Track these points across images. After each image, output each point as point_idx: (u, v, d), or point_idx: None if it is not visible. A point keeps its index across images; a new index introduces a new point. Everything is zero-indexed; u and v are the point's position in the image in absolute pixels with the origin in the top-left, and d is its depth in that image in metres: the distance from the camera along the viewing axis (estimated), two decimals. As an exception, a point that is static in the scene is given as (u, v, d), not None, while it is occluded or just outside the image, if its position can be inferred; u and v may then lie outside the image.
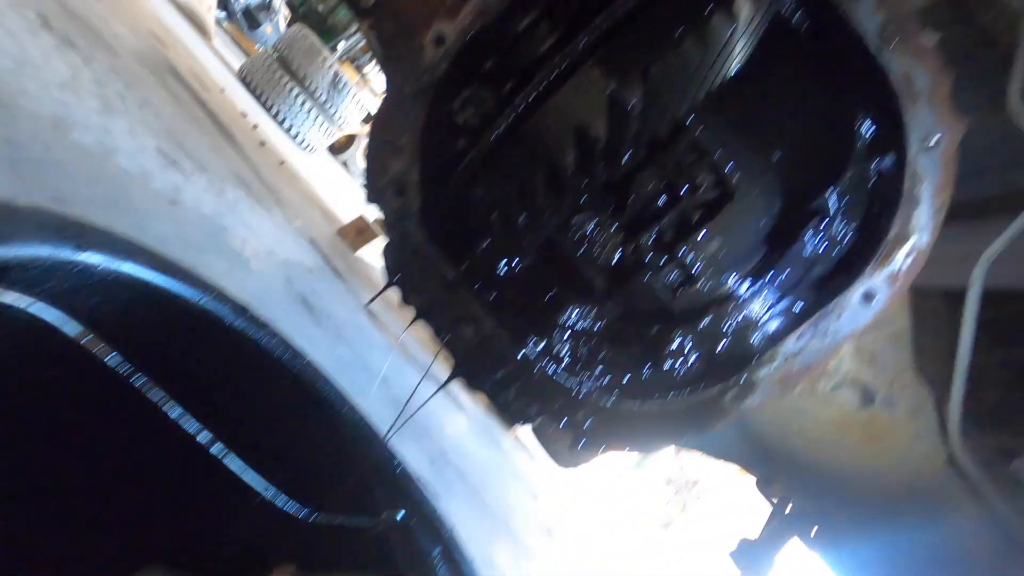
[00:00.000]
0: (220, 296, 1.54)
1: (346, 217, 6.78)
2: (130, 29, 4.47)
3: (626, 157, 1.01)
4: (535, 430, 6.97)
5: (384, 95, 1.00)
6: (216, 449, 1.11)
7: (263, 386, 1.61)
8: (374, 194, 1.01)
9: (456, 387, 5.62)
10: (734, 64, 0.91)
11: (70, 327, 0.83)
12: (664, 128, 0.96)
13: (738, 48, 0.89)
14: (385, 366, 3.94)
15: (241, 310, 1.60)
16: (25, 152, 2.09)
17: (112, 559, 1.19)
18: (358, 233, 6.32)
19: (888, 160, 1.02)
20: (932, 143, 0.94)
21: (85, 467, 1.07)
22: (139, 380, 0.96)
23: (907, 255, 0.94)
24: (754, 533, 1.93)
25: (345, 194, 8.89)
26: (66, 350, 0.85)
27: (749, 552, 1.78)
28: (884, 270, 0.95)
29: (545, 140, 0.91)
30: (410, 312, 1.10)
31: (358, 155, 11.80)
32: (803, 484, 1.17)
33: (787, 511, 1.40)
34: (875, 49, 0.91)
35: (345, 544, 1.56)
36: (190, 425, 1.05)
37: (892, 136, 0.98)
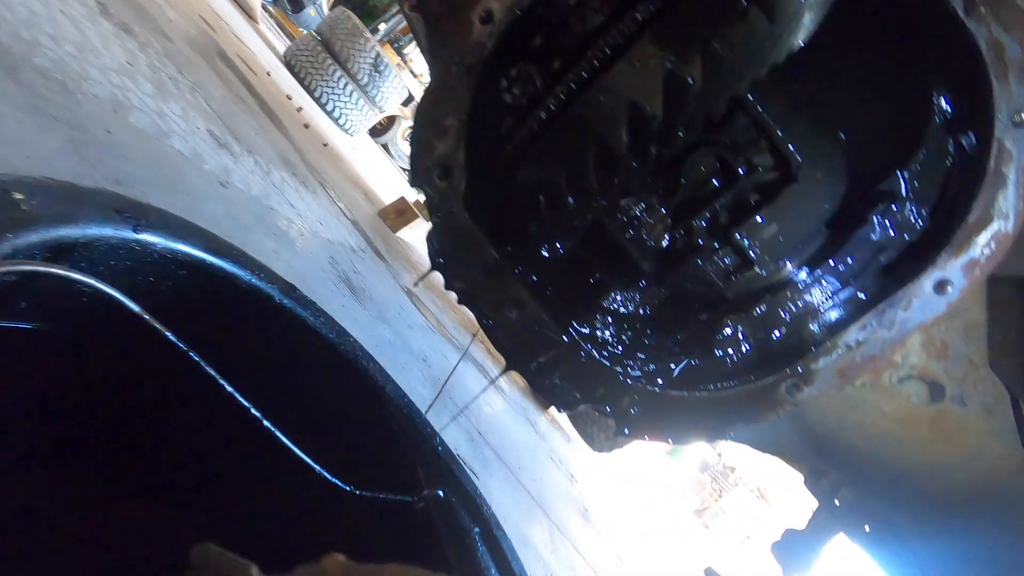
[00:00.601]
0: (270, 275, 1.58)
1: (386, 198, 6.86)
2: (182, 15, 4.59)
3: (680, 135, 0.97)
4: (570, 415, 6.98)
5: (431, 74, 0.98)
6: (269, 423, 1.14)
7: (310, 363, 1.65)
8: (419, 176, 1.00)
9: (493, 368, 5.67)
10: (802, 34, 0.85)
11: (133, 303, 0.87)
12: (722, 105, 0.91)
13: (807, 17, 0.83)
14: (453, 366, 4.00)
15: (290, 289, 1.64)
16: (89, 135, 2.19)
17: (165, 530, 1.25)
18: (398, 214, 6.40)
19: (969, 138, 0.94)
20: (1023, 118, 0.86)
21: (143, 436, 1.13)
22: (196, 354, 1.00)
23: (988, 241, 0.87)
24: (800, 524, 1.87)
25: (385, 176, 8.99)
26: (128, 325, 0.88)
27: (793, 544, 1.73)
28: (961, 257, 0.88)
29: (597, 120, 0.87)
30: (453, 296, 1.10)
31: (398, 137, 11.90)
32: (860, 480, 1.12)
33: (836, 504, 1.34)
34: (963, 15, 0.84)
35: (388, 519, 1.60)
36: (244, 399, 1.09)
37: (975, 111, 0.91)
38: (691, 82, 0.82)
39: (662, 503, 10.33)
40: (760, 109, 0.91)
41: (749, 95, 0.90)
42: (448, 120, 0.98)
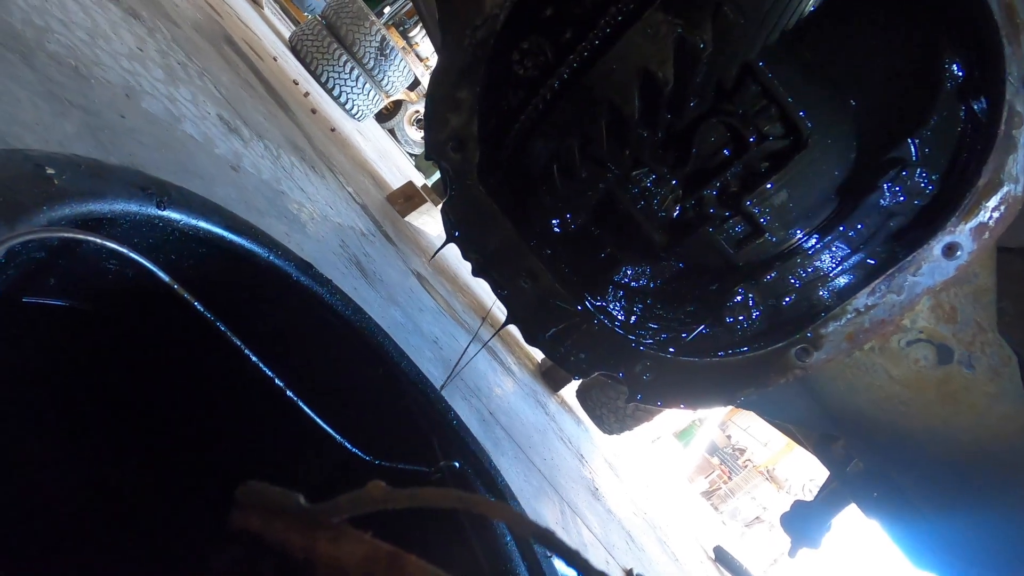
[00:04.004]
0: (287, 253, 1.60)
1: (394, 183, 6.88)
2: (188, 0, 4.59)
3: (691, 105, 0.97)
4: (579, 397, 7.02)
5: (442, 48, 1.00)
6: (292, 393, 1.18)
7: (326, 340, 1.69)
8: (434, 149, 1.02)
9: (503, 351, 5.71)
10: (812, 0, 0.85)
11: (164, 273, 0.90)
12: (732, 73, 0.92)
13: (818, -18, 0.83)
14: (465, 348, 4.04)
15: (306, 267, 1.67)
16: (103, 120, 2.22)
17: (192, 505, 1.30)
18: (406, 199, 6.41)
19: (981, 103, 0.94)
20: (1034, 81, 0.86)
21: (168, 412, 1.17)
22: (222, 324, 1.03)
23: (998, 205, 0.87)
24: (809, 496, 1.90)
25: (393, 161, 8.99)
26: (154, 300, 0.92)
27: (803, 516, 1.76)
28: (970, 222, 0.89)
29: (609, 87, 0.89)
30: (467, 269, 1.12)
31: (404, 122, 11.85)
32: (867, 445, 1.14)
33: (849, 470, 1.37)
34: (974, -23, 0.83)
35: (407, 488, 1.63)
36: (269, 369, 1.13)
37: (987, 75, 0.91)
38: (702, 46, 0.82)
39: (673, 483, 10.40)
40: (770, 76, 0.91)
41: (759, 62, 0.91)
42: (461, 93, 0.99)
